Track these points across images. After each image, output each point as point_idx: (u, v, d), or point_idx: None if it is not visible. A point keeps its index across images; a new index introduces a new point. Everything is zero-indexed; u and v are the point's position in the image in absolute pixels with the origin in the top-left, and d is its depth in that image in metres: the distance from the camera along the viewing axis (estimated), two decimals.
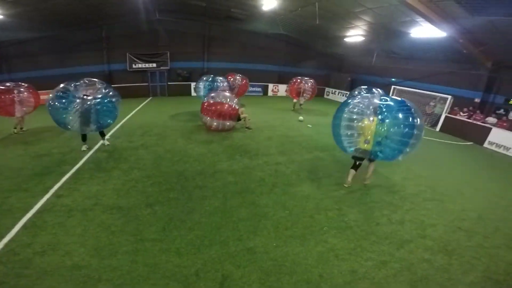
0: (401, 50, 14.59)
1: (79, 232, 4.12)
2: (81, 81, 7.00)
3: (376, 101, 5.37)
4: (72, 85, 6.84)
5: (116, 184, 5.67)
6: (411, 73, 15.18)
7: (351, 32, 14.38)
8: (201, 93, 11.84)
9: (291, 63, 20.67)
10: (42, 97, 9.55)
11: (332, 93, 21.20)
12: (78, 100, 6.60)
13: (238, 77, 14.44)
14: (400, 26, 11.07)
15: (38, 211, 4.59)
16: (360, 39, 14.64)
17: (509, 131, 10.36)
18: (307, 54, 20.81)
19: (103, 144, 7.84)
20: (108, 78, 15.27)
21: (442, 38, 10.17)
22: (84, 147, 7.49)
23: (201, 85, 12.08)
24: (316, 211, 5.08)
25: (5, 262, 3.46)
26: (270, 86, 20.54)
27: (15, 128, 8.88)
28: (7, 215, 4.42)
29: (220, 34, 18.20)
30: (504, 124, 10.82)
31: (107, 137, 8.15)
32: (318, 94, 17.98)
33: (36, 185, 5.44)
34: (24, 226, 4.18)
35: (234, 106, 9.65)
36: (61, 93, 6.67)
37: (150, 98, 17.28)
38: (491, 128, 10.85)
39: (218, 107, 9.42)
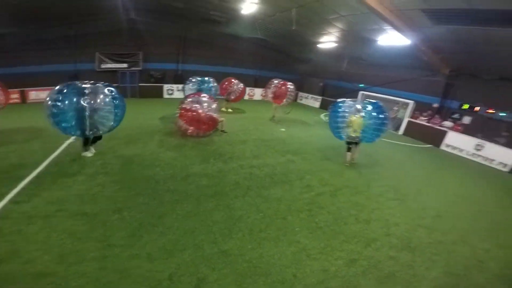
0: (369, 57, 15.36)
1: (41, 239, 3.85)
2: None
3: (358, 106, 7.83)
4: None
5: (80, 190, 5.34)
6: (378, 79, 16.04)
7: (324, 38, 14.93)
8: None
9: (267, 67, 20.92)
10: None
11: (305, 98, 21.65)
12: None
13: (238, 83, 14.58)
14: (369, 34, 11.67)
15: None
16: (332, 45, 15.26)
17: (463, 134, 11.40)
18: (282, 59, 21.21)
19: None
20: (74, 78, 14.27)
21: (406, 46, 10.82)
22: (89, 153, 7.04)
23: (189, 86, 11.69)
24: (289, 213, 5.20)
25: None
26: (247, 90, 20.57)
27: None
28: None
29: (197, 36, 17.90)
30: (459, 127, 11.88)
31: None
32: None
33: None
34: None
35: (214, 115, 9.25)
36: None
37: None
38: (447, 132, 11.86)
39: (195, 114, 8.90)
